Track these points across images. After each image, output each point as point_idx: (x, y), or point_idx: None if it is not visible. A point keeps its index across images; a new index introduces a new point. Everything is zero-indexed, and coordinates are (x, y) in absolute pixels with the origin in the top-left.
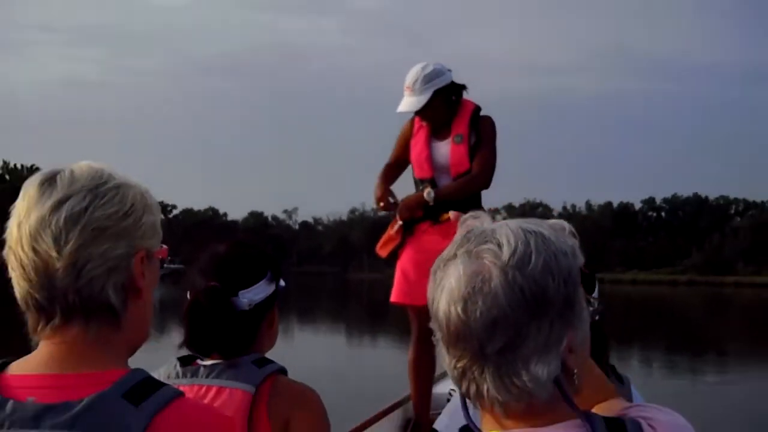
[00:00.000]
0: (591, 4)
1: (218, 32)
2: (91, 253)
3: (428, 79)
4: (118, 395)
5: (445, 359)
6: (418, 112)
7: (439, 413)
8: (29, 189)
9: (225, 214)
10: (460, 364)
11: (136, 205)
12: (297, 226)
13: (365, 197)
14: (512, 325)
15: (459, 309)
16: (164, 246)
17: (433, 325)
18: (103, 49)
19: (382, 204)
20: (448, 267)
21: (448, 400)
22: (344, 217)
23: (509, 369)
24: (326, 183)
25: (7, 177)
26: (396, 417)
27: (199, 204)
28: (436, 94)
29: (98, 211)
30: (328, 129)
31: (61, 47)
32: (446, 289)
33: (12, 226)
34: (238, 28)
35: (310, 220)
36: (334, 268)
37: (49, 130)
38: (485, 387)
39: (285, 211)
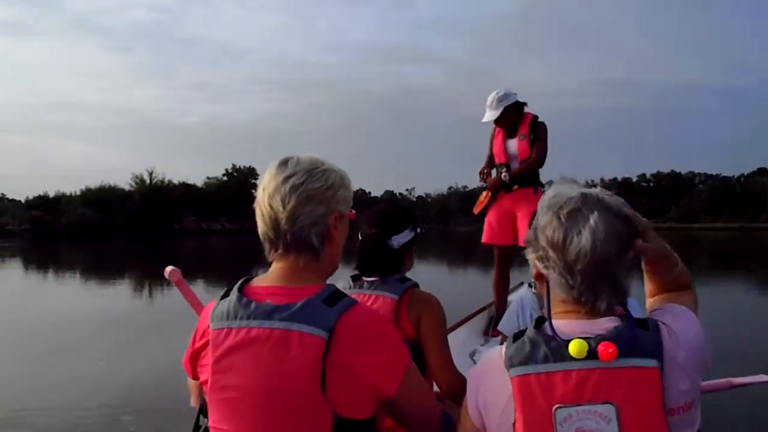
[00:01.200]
0: None
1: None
2: (303, 211)
3: (500, 99)
4: (319, 301)
5: (560, 280)
6: (495, 122)
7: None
8: (271, 168)
9: (369, 192)
10: (587, 280)
11: (335, 183)
12: (414, 199)
13: (458, 178)
14: (619, 253)
15: (599, 242)
16: (353, 210)
17: (553, 253)
18: (292, 92)
19: (481, 176)
20: (577, 216)
21: None
22: (444, 192)
23: (617, 283)
24: (432, 170)
25: (235, 174)
26: (483, 316)
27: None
28: (506, 109)
29: (310, 185)
30: (437, 137)
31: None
32: (589, 230)
33: (259, 189)
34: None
35: (423, 194)
36: (438, 225)
37: (267, 144)
38: (600, 296)
39: (407, 189)
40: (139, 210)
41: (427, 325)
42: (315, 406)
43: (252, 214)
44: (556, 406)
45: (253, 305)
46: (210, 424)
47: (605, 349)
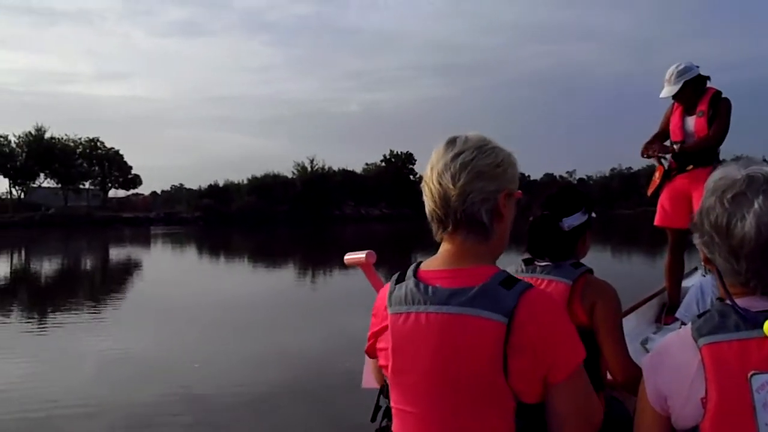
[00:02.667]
0: None
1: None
2: (474, 187)
3: (680, 73)
4: (496, 284)
5: (726, 265)
6: (673, 97)
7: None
8: (438, 147)
9: (528, 175)
10: (753, 266)
11: (505, 160)
12: (575, 182)
13: (621, 159)
14: None
15: (764, 226)
16: (520, 191)
17: (718, 238)
18: (450, 77)
19: (644, 151)
20: (741, 200)
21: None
22: (606, 174)
23: None
24: (593, 151)
25: (392, 160)
26: (654, 302)
27: None
28: (686, 84)
29: (480, 162)
30: (599, 116)
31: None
32: (754, 214)
33: (427, 168)
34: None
35: (584, 177)
36: (601, 208)
37: (425, 129)
38: (762, 281)
39: (567, 172)
40: (300, 197)
41: (602, 312)
42: (497, 391)
43: (409, 199)
44: (752, 372)
45: (430, 290)
46: (392, 404)
47: None
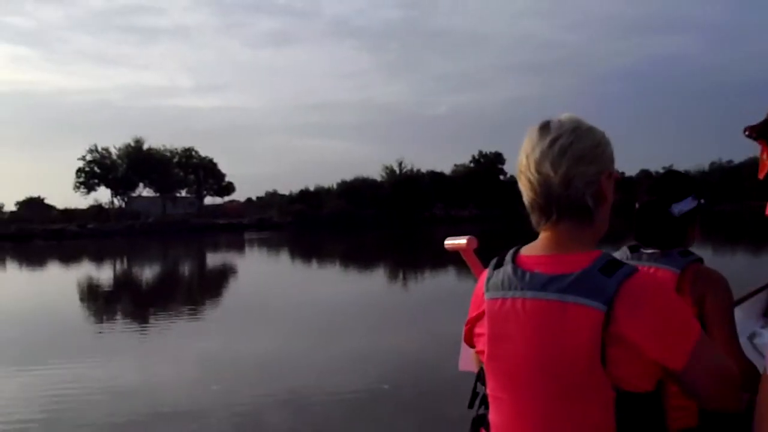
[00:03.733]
0: None
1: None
2: (575, 172)
3: None
4: (596, 270)
5: None
6: None
7: None
8: (532, 133)
9: (623, 173)
10: None
11: (602, 140)
12: None
13: (721, 152)
14: None
15: None
16: (617, 170)
17: None
18: (537, 75)
19: (747, 130)
20: None
21: None
22: (705, 169)
23: None
24: (690, 145)
25: (481, 160)
26: (762, 296)
27: None
28: None
29: (579, 145)
30: (694, 109)
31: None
32: None
33: (521, 157)
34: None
35: (683, 170)
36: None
37: (513, 129)
38: None
39: (663, 168)
40: (389, 199)
41: (712, 304)
42: (595, 380)
43: (499, 199)
44: None
45: (527, 275)
46: (488, 391)
47: None
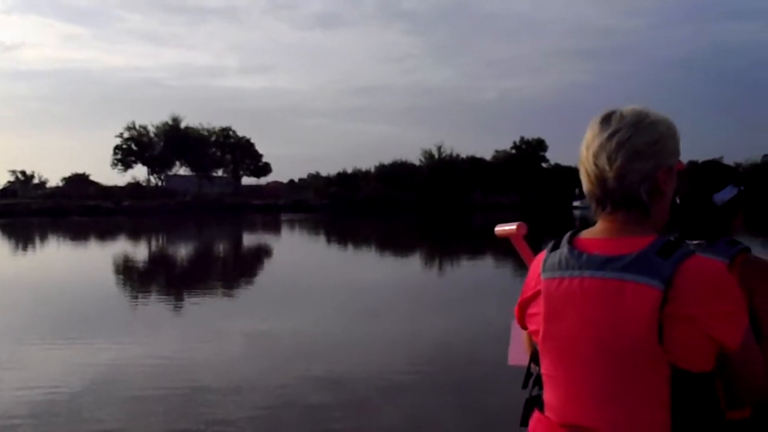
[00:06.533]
0: None
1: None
2: (631, 167)
3: None
4: (653, 252)
5: None
6: None
7: None
8: (594, 124)
9: (722, 157)
10: None
11: (663, 134)
12: None
13: None
14: None
15: None
16: (681, 161)
17: None
18: (592, 62)
19: None
20: None
21: None
22: (758, 161)
23: None
24: (744, 136)
25: (522, 147)
26: None
27: None
28: None
29: (637, 140)
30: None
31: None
32: None
33: (582, 148)
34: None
35: (732, 164)
36: (754, 196)
37: (551, 116)
38: None
39: (713, 158)
40: (427, 184)
41: (764, 294)
42: (651, 358)
43: (539, 186)
44: None
45: (584, 256)
46: (543, 371)
47: None
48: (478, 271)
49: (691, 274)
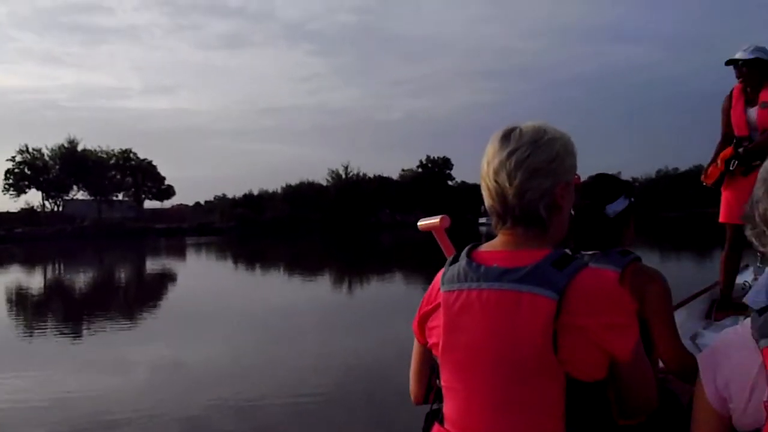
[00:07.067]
0: None
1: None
2: (530, 185)
3: (758, 49)
4: (548, 264)
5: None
6: (738, 75)
7: (739, 296)
8: (494, 141)
9: (620, 172)
10: None
11: (561, 152)
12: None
13: (668, 161)
14: None
15: None
16: (578, 175)
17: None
18: (495, 82)
19: (709, 178)
20: None
21: (743, 288)
22: (653, 176)
23: None
24: (639, 153)
25: (429, 165)
26: (704, 298)
27: None
28: (758, 61)
29: (535, 158)
30: (645, 117)
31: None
32: None
33: (483, 163)
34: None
35: (629, 179)
36: (646, 211)
37: (457, 135)
38: None
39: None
40: (334, 204)
41: (653, 300)
42: (547, 367)
43: (446, 204)
44: None
45: (482, 268)
46: (442, 383)
47: None
48: (387, 290)
49: (584, 285)
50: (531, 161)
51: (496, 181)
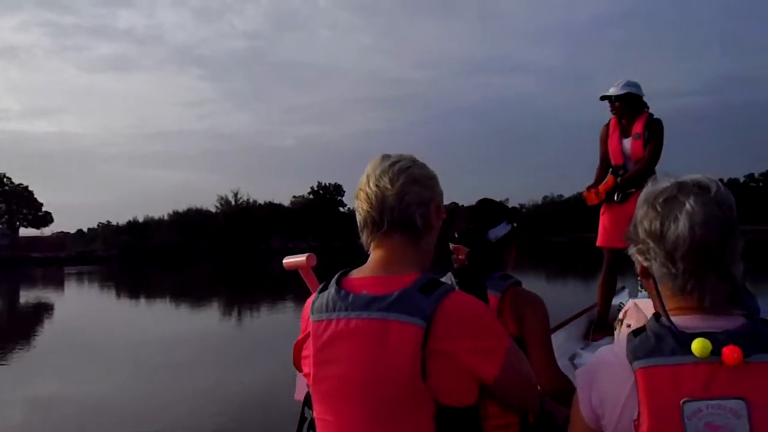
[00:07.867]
0: None
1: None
2: (411, 189)
3: (629, 84)
4: (416, 289)
5: (662, 270)
6: (612, 109)
7: (614, 317)
8: (374, 160)
9: (462, 205)
10: (690, 268)
11: (435, 176)
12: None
13: (553, 188)
14: (722, 239)
15: (697, 226)
16: (445, 209)
17: (653, 243)
18: (386, 110)
19: (588, 200)
20: (673, 203)
21: (619, 309)
22: (539, 202)
23: (723, 271)
24: (525, 180)
25: (320, 191)
26: (583, 319)
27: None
28: (629, 95)
29: (415, 170)
30: (531, 146)
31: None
32: (686, 215)
33: (363, 178)
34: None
35: (517, 205)
36: (533, 236)
37: (347, 161)
38: (706, 284)
39: (500, 201)
40: (223, 231)
41: (531, 322)
42: (416, 395)
43: (338, 231)
44: (684, 399)
45: (350, 297)
46: (315, 415)
47: (730, 353)
48: (278, 316)
49: (451, 310)
50: (412, 171)
51: (376, 186)
